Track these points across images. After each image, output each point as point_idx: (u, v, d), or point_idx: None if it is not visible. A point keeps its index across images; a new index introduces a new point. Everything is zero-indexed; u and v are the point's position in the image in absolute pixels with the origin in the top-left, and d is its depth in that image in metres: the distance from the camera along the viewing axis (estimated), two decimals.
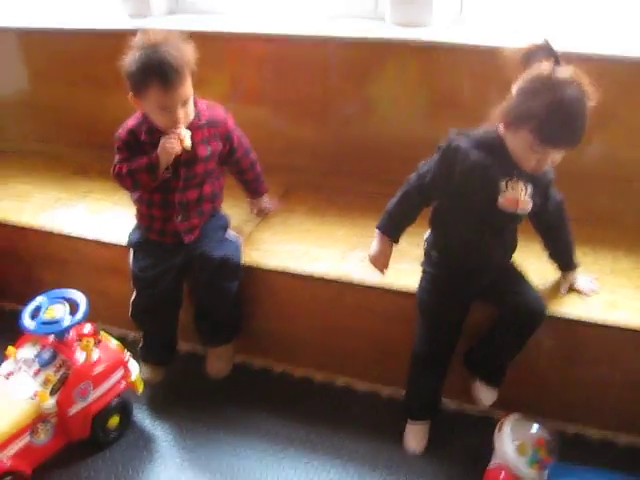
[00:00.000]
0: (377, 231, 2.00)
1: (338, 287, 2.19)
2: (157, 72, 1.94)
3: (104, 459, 2.13)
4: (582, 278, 2.09)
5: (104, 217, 2.56)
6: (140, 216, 2.26)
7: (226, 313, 2.29)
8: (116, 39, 2.73)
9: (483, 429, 2.10)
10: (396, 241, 1.99)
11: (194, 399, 2.33)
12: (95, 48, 2.84)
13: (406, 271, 2.15)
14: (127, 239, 2.30)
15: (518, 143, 1.76)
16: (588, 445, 2.13)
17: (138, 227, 2.29)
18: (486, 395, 2.10)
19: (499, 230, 1.92)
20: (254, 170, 2.39)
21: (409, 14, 2.47)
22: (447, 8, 2.51)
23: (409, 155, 2.54)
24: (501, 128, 1.81)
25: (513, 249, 2.02)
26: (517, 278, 2.02)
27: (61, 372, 2.05)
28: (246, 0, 2.80)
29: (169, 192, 2.15)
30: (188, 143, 2.04)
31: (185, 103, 2.04)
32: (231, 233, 2.32)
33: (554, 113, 1.66)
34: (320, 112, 2.67)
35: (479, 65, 2.39)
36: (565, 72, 1.69)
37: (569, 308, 2.00)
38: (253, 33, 2.63)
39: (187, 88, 2.02)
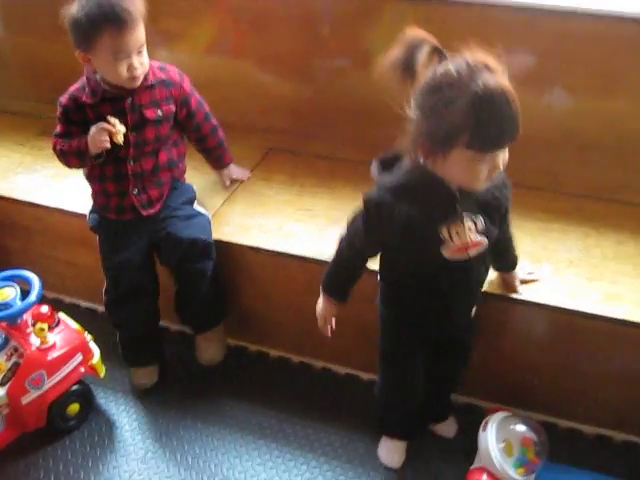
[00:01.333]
0: (321, 289, 1.77)
1: (314, 267, 2.01)
2: (110, 16, 1.81)
3: (63, 448, 2.01)
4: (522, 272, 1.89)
5: (69, 184, 2.38)
6: (95, 194, 2.09)
7: (204, 295, 2.09)
8: None
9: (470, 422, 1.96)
10: (342, 301, 1.77)
11: (161, 384, 2.18)
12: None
13: None
14: (88, 221, 2.13)
15: (455, 166, 1.43)
16: (581, 441, 1.98)
17: (94, 208, 2.12)
18: (447, 429, 1.99)
19: (462, 272, 1.61)
20: (216, 136, 2.20)
21: None
22: None
23: (399, 118, 2.38)
24: (421, 160, 1.50)
25: (482, 282, 1.75)
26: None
27: (12, 360, 1.92)
28: None
29: (121, 163, 1.99)
30: (120, 139, 1.91)
31: (140, 51, 1.90)
32: (198, 207, 2.14)
33: (482, 112, 1.35)
34: (304, 69, 2.46)
35: (475, 22, 2.18)
36: (460, 62, 1.41)
37: (566, 299, 1.83)
38: None
39: (141, 33, 1.88)
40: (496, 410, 1.87)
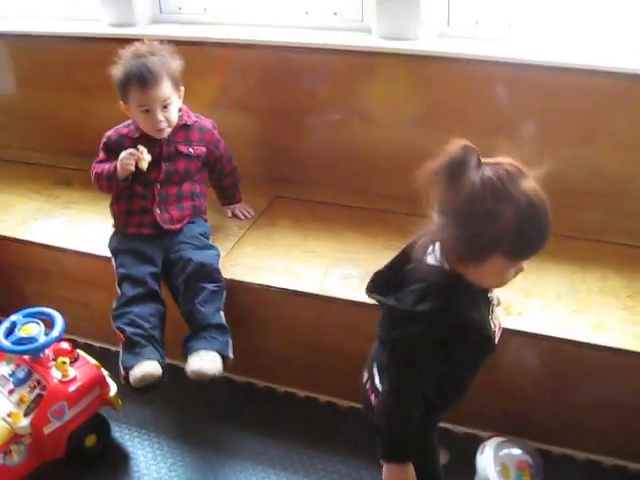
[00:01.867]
0: (394, 464, 1.56)
1: (320, 304, 2.15)
2: (135, 74, 2.16)
3: (81, 478, 2.09)
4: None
5: (85, 228, 2.53)
6: (118, 214, 2.30)
7: (208, 315, 2.12)
8: (101, 46, 2.75)
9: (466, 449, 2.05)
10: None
11: (174, 416, 2.29)
12: (79, 55, 2.83)
13: None
14: (108, 246, 2.29)
15: (488, 271, 1.43)
16: (574, 467, 2.08)
17: (116, 232, 2.31)
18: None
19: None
20: (234, 177, 2.51)
21: (396, 27, 2.41)
22: (434, 21, 2.45)
23: (395, 167, 2.53)
24: (446, 265, 1.47)
25: None
26: None
27: (36, 392, 2.02)
28: (230, 10, 2.74)
29: (150, 185, 2.25)
30: (144, 166, 2.18)
31: (165, 106, 2.19)
32: (212, 242, 2.31)
33: (526, 224, 1.37)
34: (306, 122, 2.63)
35: (467, 77, 2.36)
36: (499, 171, 1.41)
37: (555, 328, 1.96)
38: (239, 41, 2.60)
39: (164, 90, 2.17)
40: (493, 436, 1.97)
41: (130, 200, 2.26)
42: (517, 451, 1.90)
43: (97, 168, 2.26)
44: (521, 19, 2.40)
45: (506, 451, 1.91)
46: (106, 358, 2.26)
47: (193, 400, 2.32)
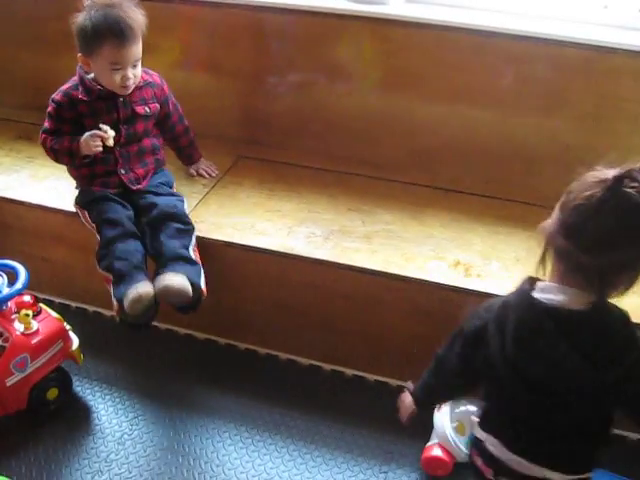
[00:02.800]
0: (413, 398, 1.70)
1: (284, 261, 2.18)
2: (113, 29, 2.02)
3: (42, 431, 2.09)
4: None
5: (48, 183, 2.50)
6: (80, 178, 2.26)
7: (175, 248, 2.08)
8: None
9: None
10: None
11: (136, 373, 2.29)
12: (40, 7, 2.78)
13: (352, 249, 2.17)
14: (76, 201, 2.26)
15: None
16: None
17: (82, 190, 2.27)
18: None
19: None
20: (188, 136, 2.44)
21: None
22: None
23: (359, 130, 2.58)
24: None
25: None
26: None
27: None
28: None
29: (109, 149, 2.16)
30: (111, 143, 2.12)
31: (135, 64, 2.11)
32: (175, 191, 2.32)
33: None
34: (272, 83, 2.63)
35: (432, 43, 2.39)
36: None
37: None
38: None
39: (139, 48, 2.09)
40: None
41: (92, 165, 2.21)
42: (472, 408, 1.96)
43: (51, 142, 2.16)
44: None
45: (463, 408, 1.99)
46: (66, 313, 2.26)
47: (155, 357, 2.34)
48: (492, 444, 1.48)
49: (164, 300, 1.99)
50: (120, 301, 2.00)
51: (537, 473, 1.42)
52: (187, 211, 2.25)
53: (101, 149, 2.11)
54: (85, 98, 2.15)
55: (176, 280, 1.97)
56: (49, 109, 2.19)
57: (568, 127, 2.33)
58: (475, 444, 1.55)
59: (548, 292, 1.36)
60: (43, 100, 2.69)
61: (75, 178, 2.30)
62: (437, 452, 1.96)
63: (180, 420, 2.14)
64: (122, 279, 2.03)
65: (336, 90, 2.55)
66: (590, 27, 2.30)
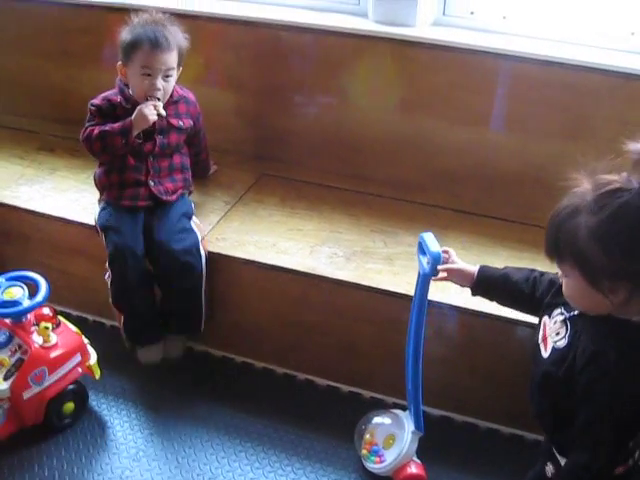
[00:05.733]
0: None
1: (305, 281, 2.17)
2: (149, 36, 2.16)
3: (57, 445, 2.08)
4: None
5: (69, 195, 2.51)
6: (109, 186, 2.27)
7: (184, 311, 2.29)
8: (90, 13, 2.74)
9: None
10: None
11: (154, 388, 2.28)
12: (68, 21, 2.80)
13: (374, 270, 2.16)
14: (96, 221, 2.27)
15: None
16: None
17: (106, 206, 2.27)
18: None
19: None
20: (207, 150, 2.54)
21: (391, 13, 2.44)
22: (430, 10, 2.48)
23: (382, 151, 2.58)
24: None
25: None
26: None
27: (16, 356, 2.01)
28: None
29: (142, 158, 2.25)
30: (163, 112, 2.19)
31: (167, 75, 2.20)
32: (194, 222, 2.30)
33: None
34: (296, 102, 2.63)
35: (457, 67, 2.40)
36: None
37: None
38: (232, 16, 2.59)
39: (172, 58, 2.19)
40: None
41: (122, 173, 2.24)
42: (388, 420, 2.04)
43: (100, 128, 2.19)
44: (515, 12, 2.43)
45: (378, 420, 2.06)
46: (84, 327, 2.25)
47: (172, 373, 2.33)
48: None
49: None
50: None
51: None
52: (208, 229, 2.28)
53: (155, 117, 2.16)
54: (124, 104, 2.22)
55: (177, 350, 2.35)
56: (90, 111, 2.25)
57: (591, 153, 2.31)
58: None
59: None
60: (66, 113, 2.73)
61: (103, 187, 2.30)
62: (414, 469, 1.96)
63: (195, 437, 2.13)
64: (137, 329, 2.31)
65: (359, 110, 2.55)
66: (616, 53, 2.29)
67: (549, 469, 1.57)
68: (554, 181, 2.32)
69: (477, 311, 2.02)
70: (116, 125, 2.18)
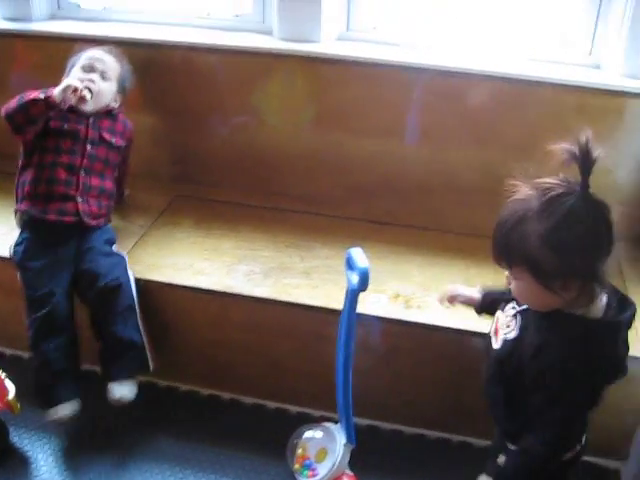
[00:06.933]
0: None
1: (223, 300, 2.17)
2: (95, 45, 2.36)
3: None
4: None
5: None
6: (34, 197, 2.21)
7: (119, 336, 2.13)
8: None
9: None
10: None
11: (76, 419, 2.19)
12: None
13: (292, 285, 2.18)
14: (12, 255, 2.20)
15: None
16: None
17: (23, 237, 2.21)
18: None
19: None
20: (126, 178, 2.53)
21: (296, 29, 2.48)
22: (334, 25, 2.54)
23: (294, 167, 2.60)
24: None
25: None
26: None
27: None
28: (132, 9, 2.74)
29: (74, 171, 2.22)
30: (88, 95, 2.19)
31: (104, 77, 2.29)
32: (116, 250, 2.28)
33: None
34: (208, 123, 2.64)
35: (364, 80, 2.44)
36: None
37: (452, 320, 2.05)
38: (140, 40, 2.58)
39: (111, 64, 2.33)
40: None
41: (51, 184, 2.20)
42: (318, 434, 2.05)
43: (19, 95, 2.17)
44: (417, 25, 2.51)
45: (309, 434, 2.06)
46: (1, 361, 2.20)
47: (95, 402, 2.26)
48: None
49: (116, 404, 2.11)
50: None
51: None
52: (128, 267, 2.22)
53: (78, 84, 2.14)
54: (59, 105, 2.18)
55: (124, 393, 2.10)
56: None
57: (498, 158, 2.39)
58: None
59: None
60: None
61: (24, 196, 2.22)
62: None
63: (123, 467, 2.09)
64: (44, 390, 2.12)
65: (270, 127, 2.57)
66: (519, 62, 2.39)
67: (501, 460, 1.61)
68: (463, 188, 2.45)
69: (398, 319, 2.07)
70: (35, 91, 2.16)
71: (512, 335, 1.50)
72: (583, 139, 1.31)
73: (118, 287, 2.12)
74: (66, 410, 2.09)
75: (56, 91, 2.13)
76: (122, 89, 2.37)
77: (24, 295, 2.14)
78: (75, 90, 2.14)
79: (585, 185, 1.31)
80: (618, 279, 2.25)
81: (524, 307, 1.50)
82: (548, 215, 1.31)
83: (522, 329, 1.48)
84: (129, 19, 2.73)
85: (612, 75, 2.33)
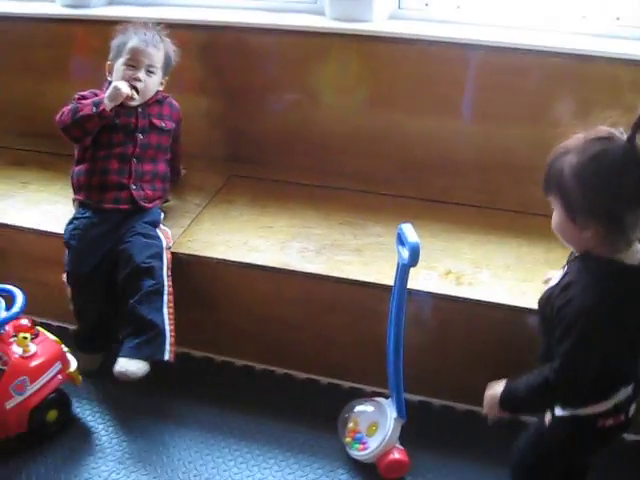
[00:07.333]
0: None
1: (277, 277, 2.21)
2: (139, 34, 2.31)
3: (43, 453, 2.10)
4: None
5: (43, 208, 2.53)
6: (89, 188, 2.28)
7: (143, 316, 2.15)
8: (54, 27, 2.76)
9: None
10: None
11: (135, 390, 2.27)
12: (32, 36, 2.82)
13: (344, 262, 2.20)
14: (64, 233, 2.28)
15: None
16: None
17: (76, 215, 2.29)
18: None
19: None
20: (180, 157, 2.58)
21: (348, 9, 2.49)
22: (385, 4, 2.54)
23: (348, 146, 2.62)
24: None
25: None
26: None
27: None
28: None
29: (125, 161, 2.28)
30: (136, 95, 2.26)
31: (150, 70, 2.30)
32: (160, 230, 2.32)
33: None
34: (261, 103, 2.67)
35: (417, 58, 2.44)
36: None
37: (504, 296, 2.05)
38: (193, 22, 2.63)
39: (157, 56, 2.31)
40: None
41: (105, 175, 2.27)
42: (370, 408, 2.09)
43: (74, 103, 2.25)
44: (469, 2, 2.49)
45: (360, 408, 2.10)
46: (64, 336, 2.27)
47: (152, 375, 2.34)
48: (621, 395, 1.53)
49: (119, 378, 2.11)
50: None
51: None
52: (179, 233, 2.30)
53: (127, 91, 2.21)
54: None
55: (130, 368, 2.08)
56: (73, 98, 2.30)
57: (551, 134, 2.36)
58: (597, 417, 1.55)
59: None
60: (33, 127, 2.76)
61: (81, 188, 2.31)
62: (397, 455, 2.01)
63: (179, 436, 2.16)
64: (83, 336, 2.36)
65: (323, 107, 2.60)
66: (569, 36, 2.35)
67: (548, 418, 1.64)
68: (518, 165, 2.43)
69: (449, 295, 2.08)
70: (88, 100, 2.23)
71: (553, 282, 1.54)
72: None
73: (148, 270, 2.17)
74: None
75: (107, 101, 2.20)
76: (167, 72, 2.40)
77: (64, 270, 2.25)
78: (124, 94, 2.22)
79: (630, 137, 1.37)
80: None
81: (571, 258, 1.56)
82: (584, 150, 1.40)
83: (563, 276, 1.52)
84: (184, 3, 2.78)
85: None
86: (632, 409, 1.57)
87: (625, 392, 1.53)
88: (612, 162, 1.38)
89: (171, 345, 2.15)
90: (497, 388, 1.63)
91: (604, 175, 1.38)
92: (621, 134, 1.40)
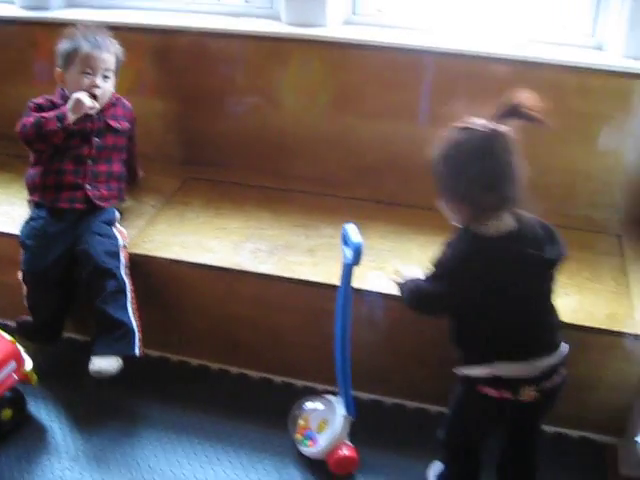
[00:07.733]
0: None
1: (229, 277, 2.24)
2: (88, 38, 2.30)
3: None
4: None
5: (0, 209, 2.54)
6: (43, 189, 2.32)
7: (109, 316, 2.19)
8: (12, 29, 2.77)
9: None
10: None
11: (90, 390, 2.32)
12: None
13: (295, 262, 2.25)
14: (20, 233, 2.31)
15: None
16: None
17: (31, 216, 2.32)
18: None
19: None
20: (137, 158, 2.59)
21: (303, 14, 2.54)
22: (340, 9, 2.59)
23: (304, 149, 2.66)
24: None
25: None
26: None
27: None
28: None
29: (81, 162, 2.31)
30: (97, 105, 2.28)
31: (105, 75, 2.32)
32: (115, 229, 2.34)
33: None
34: (219, 107, 2.70)
35: (371, 63, 2.49)
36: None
37: None
38: (153, 27, 2.66)
39: (111, 60, 2.34)
40: None
41: (59, 175, 2.30)
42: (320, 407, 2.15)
43: (36, 115, 2.25)
44: (421, 8, 2.55)
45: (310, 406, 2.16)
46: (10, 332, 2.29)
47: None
48: (502, 369, 1.66)
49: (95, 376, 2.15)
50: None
51: (543, 364, 1.66)
52: (135, 234, 2.33)
53: (89, 103, 2.24)
54: (63, 103, 2.28)
55: (103, 365, 2.13)
56: (28, 107, 2.32)
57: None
58: (477, 381, 1.71)
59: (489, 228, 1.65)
60: None
61: (36, 188, 2.34)
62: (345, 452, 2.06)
63: (136, 436, 2.19)
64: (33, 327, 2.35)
65: (279, 111, 2.64)
66: (517, 42, 2.42)
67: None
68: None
69: (397, 295, 2.11)
70: (52, 112, 2.25)
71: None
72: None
73: (109, 270, 2.20)
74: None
75: (70, 114, 2.23)
76: (117, 68, 2.39)
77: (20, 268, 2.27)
78: (87, 107, 2.25)
79: (493, 128, 1.59)
80: (618, 258, 2.29)
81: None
82: (449, 139, 1.63)
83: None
84: (142, 6, 2.80)
85: (614, 56, 2.36)
86: (527, 392, 1.67)
87: (507, 369, 1.66)
88: (470, 149, 1.59)
89: (139, 340, 2.20)
90: (414, 271, 1.87)
91: (463, 161, 1.60)
92: (484, 125, 1.59)
